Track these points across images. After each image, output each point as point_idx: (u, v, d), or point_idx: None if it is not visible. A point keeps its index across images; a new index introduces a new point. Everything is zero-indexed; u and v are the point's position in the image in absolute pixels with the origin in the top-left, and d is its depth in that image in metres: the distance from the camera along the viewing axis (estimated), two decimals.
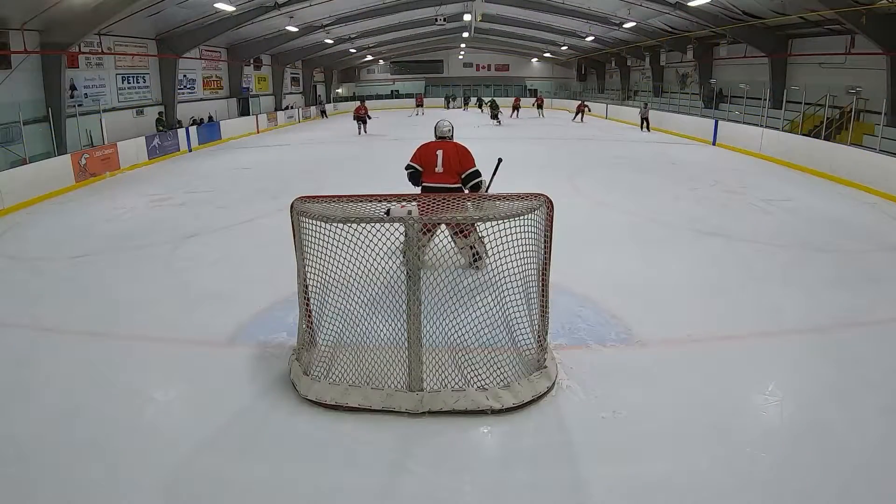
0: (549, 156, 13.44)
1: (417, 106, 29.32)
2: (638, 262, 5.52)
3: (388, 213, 3.06)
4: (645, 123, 18.92)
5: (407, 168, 5.05)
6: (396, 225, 2.94)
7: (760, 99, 14.50)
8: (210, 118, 18.66)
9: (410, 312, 2.97)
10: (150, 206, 8.57)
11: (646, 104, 19.77)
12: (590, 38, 23.22)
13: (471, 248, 4.43)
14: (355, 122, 19.13)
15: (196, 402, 3.27)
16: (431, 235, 4.13)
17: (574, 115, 23.83)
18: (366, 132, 18.77)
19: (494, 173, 5.03)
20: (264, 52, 21.71)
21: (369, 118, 19.29)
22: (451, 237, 4.42)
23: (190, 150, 15.59)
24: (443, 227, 4.30)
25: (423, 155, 4.97)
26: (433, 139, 5.16)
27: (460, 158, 4.90)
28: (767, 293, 4.70)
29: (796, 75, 14.57)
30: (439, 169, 4.88)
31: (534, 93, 34.51)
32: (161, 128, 14.82)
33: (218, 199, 8.90)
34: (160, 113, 15.30)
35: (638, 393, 3.22)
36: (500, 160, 5.03)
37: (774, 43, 14.88)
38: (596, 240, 6.25)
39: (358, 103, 20.90)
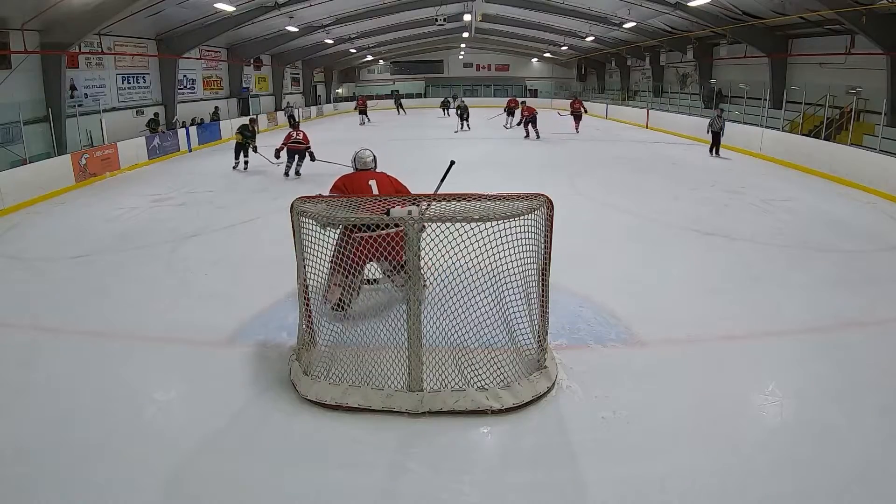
0: (549, 156, 13.43)
1: (360, 113, 22.28)
2: (638, 262, 5.52)
3: (388, 213, 3.06)
4: (716, 143, 12.75)
5: None
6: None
7: (760, 99, 14.49)
8: (218, 116, 18.58)
9: (410, 312, 2.97)
10: (150, 206, 8.56)
11: (721, 111, 13.18)
12: (590, 38, 23.20)
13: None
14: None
15: (196, 402, 3.27)
16: (357, 280, 3.63)
17: (516, 121, 17.41)
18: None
19: (444, 178, 4.42)
20: (264, 52, 21.69)
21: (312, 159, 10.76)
22: (390, 277, 3.96)
23: (190, 151, 15.56)
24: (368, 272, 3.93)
25: (352, 187, 4.24)
26: (356, 169, 4.45)
27: (396, 187, 4.30)
28: (767, 293, 4.70)
29: (796, 75, 14.57)
30: None
31: (534, 93, 34.16)
32: (153, 129, 14.59)
33: (218, 199, 8.89)
34: (155, 114, 15.23)
35: (638, 393, 3.22)
36: (451, 163, 4.51)
37: (774, 43, 14.88)
38: (596, 240, 6.25)
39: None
